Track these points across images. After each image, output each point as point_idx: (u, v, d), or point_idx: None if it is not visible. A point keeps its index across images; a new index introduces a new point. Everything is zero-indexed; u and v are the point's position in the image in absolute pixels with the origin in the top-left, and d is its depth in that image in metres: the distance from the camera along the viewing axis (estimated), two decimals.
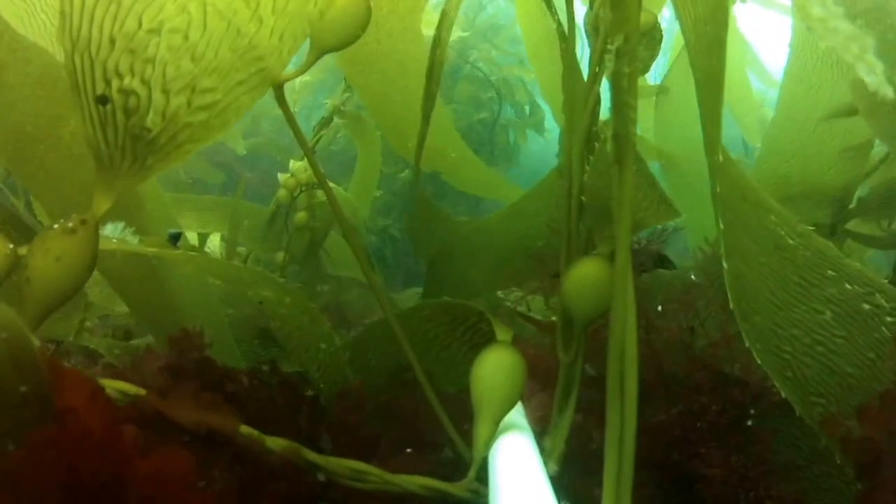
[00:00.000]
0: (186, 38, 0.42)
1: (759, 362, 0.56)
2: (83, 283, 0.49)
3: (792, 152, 1.05)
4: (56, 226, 0.46)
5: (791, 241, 0.61)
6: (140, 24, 0.41)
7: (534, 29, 1.33)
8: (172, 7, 0.42)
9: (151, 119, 0.43)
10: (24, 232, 0.73)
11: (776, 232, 0.61)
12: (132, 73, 0.42)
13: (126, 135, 0.43)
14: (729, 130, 1.56)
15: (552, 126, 2.30)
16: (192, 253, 0.83)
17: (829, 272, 0.60)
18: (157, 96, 0.43)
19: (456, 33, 1.66)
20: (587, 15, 0.67)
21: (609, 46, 0.40)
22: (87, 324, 0.90)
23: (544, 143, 2.50)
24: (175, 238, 0.93)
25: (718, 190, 0.53)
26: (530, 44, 1.35)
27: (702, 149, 0.58)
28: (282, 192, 1.17)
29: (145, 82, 0.42)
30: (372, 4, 0.54)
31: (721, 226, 0.53)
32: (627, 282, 0.42)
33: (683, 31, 0.58)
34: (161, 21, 0.41)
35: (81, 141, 0.65)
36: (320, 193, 1.19)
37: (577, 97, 0.61)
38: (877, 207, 1.00)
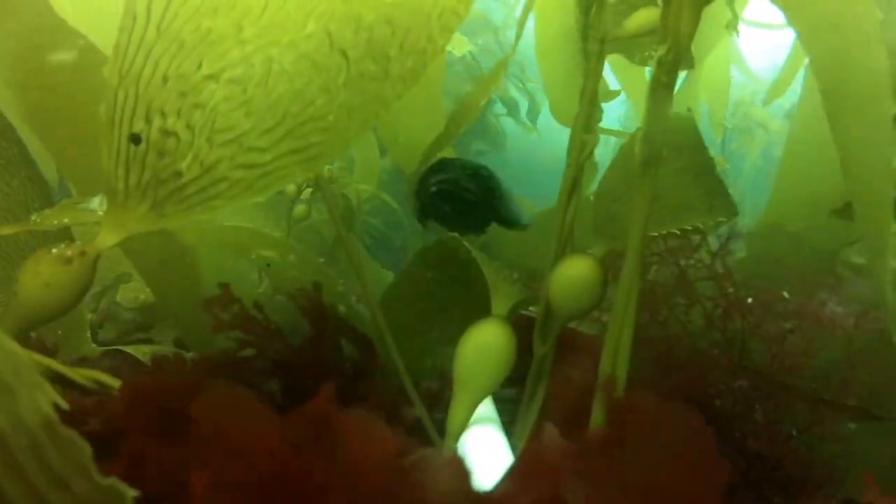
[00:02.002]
0: (245, 91, 0.38)
1: None
2: (70, 309, 0.46)
3: (814, 161, 1.01)
4: (55, 250, 0.42)
5: None
6: (199, 68, 0.37)
7: (548, 26, 1.27)
8: (237, 56, 0.37)
9: (188, 165, 0.39)
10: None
11: None
12: (178, 115, 0.37)
13: (152, 178, 0.39)
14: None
15: (548, 122, 2.23)
16: None
17: None
18: (200, 143, 0.38)
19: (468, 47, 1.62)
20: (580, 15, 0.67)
21: (651, 54, 0.41)
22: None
23: (536, 138, 2.45)
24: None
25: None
26: (542, 40, 1.29)
27: None
28: (290, 187, 1.13)
29: (190, 127, 0.38)
30: None
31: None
32: (634, 281, 0.43)
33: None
34: (222, 68, 0.37)
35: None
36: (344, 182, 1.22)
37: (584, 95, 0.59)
38: None
